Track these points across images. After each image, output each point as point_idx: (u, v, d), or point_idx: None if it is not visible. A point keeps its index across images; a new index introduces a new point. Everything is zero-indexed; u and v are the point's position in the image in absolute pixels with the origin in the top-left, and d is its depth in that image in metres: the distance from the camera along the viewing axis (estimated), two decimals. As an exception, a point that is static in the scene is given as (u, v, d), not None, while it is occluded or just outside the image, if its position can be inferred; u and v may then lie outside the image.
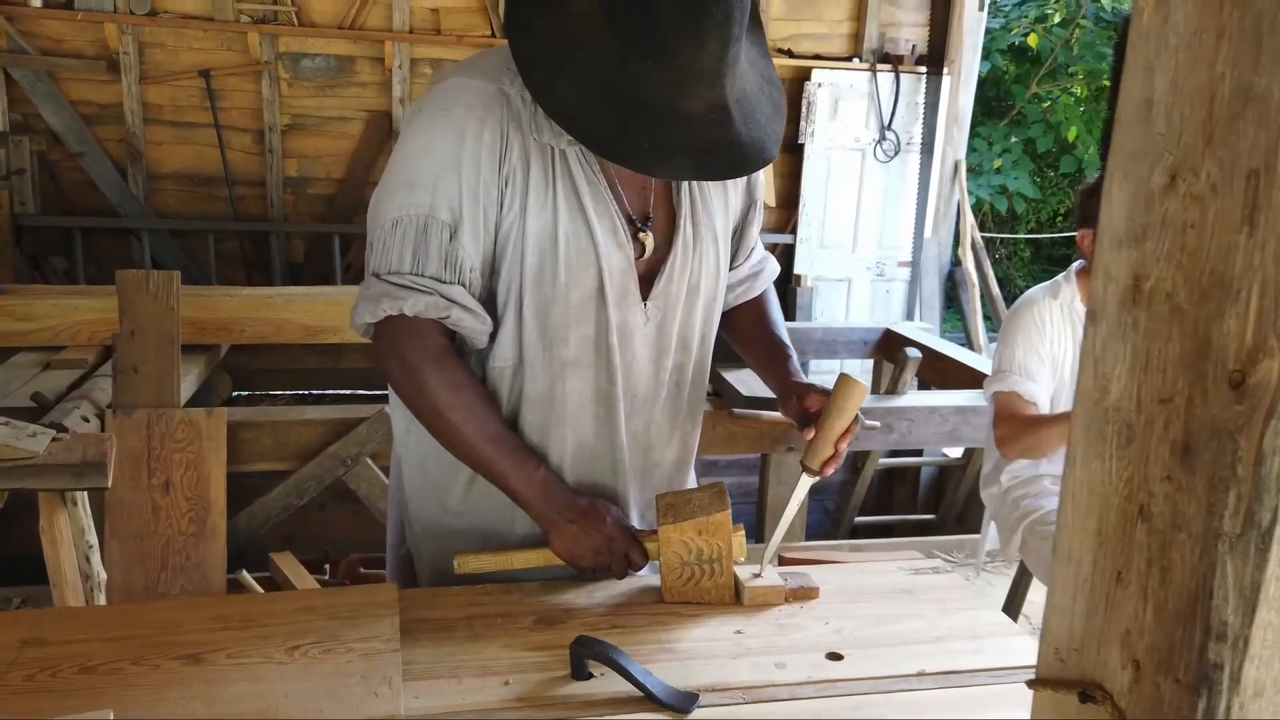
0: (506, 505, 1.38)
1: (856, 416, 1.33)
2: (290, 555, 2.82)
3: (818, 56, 5.37)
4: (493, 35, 4.97)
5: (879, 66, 5.36)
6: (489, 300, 1.33)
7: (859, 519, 4.07)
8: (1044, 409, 2.26)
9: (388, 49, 4.88)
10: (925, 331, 4.89)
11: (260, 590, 2.60)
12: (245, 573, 2.65)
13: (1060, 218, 10.02)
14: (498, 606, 1.32)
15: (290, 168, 5.00)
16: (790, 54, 5.32)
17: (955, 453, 4.12)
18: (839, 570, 1.50)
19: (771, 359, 1.53)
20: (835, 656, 1.24)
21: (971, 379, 3.88)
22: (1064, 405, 2.30)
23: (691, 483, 1.57)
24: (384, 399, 5.21)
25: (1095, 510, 0.72)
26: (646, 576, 1.41)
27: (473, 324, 1.30)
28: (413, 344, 1.28)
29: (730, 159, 1.21)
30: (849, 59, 5.42)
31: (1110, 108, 0.87)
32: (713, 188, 1.42)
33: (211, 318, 3.32)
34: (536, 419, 1.37)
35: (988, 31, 6.43)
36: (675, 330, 1.41)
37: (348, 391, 5.10)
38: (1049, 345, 2.28)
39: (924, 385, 4.15)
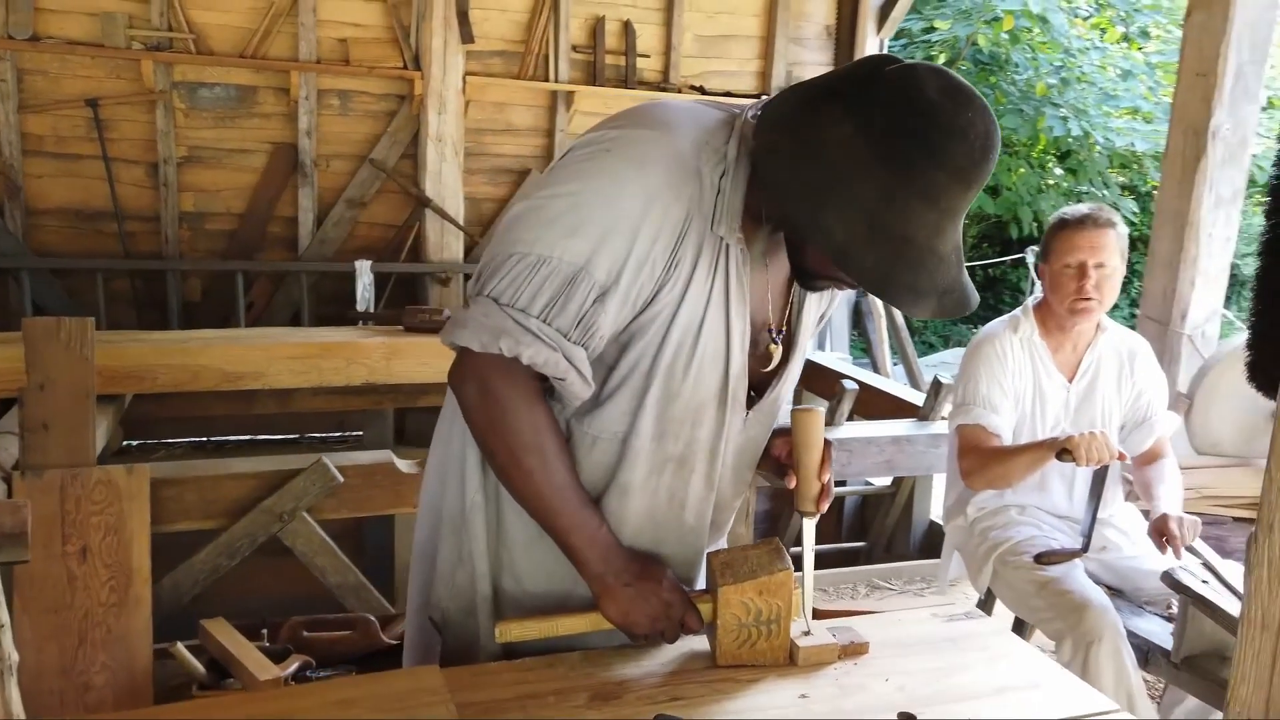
0: (570, 576, 1.30)
1: (827, 442, 1.31)
2: (224, 622, 2.60)
3: (728, 93, 5.44)
4: (405, 67, 4.83)
5: (788, 103, 5.48)
6: (597, 364, 1.25)
7: (792, 549, 4.07)
8: (1007, 441, 2.31)
9: (293, 79, 4.68)
10: (841, 361, 4.98)
11: (199, 667, 2.38)
12: (180, 645, 2.43)
13: (971, 248, 10.34)
14: (547, 684, 1.23)
15: (186, 202, 4.71)
16: (702, 90, 5.38)
17: (883, 481, 4.19)
18: (874, 621, 1.47)
19: None
20: (908, 717, 1.20)
21: (896, 409, 3.97)
22: (1025, 437, 2.36)
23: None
24: (298, 443, 4.91)
25: (1301, 577, 0.70)
26: (690, 639, 1.34)
27: (581, 390, 1.22)
28: (508, 380, 1.20)
29: (963, 299, 1.18)
30: (758, 96, 5.51)
31: None
32: (812, 301, 1.39)
33: (120, 365, 3.06)
34: (624, 506, 1.30)
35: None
36: (761, 445, 1.39)
37: (253, 438, 4.83)
38: (1011, 378, 2.33)
39: (849, 416, 4.21)
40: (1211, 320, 3.60)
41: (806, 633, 1.33)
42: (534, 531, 1.31)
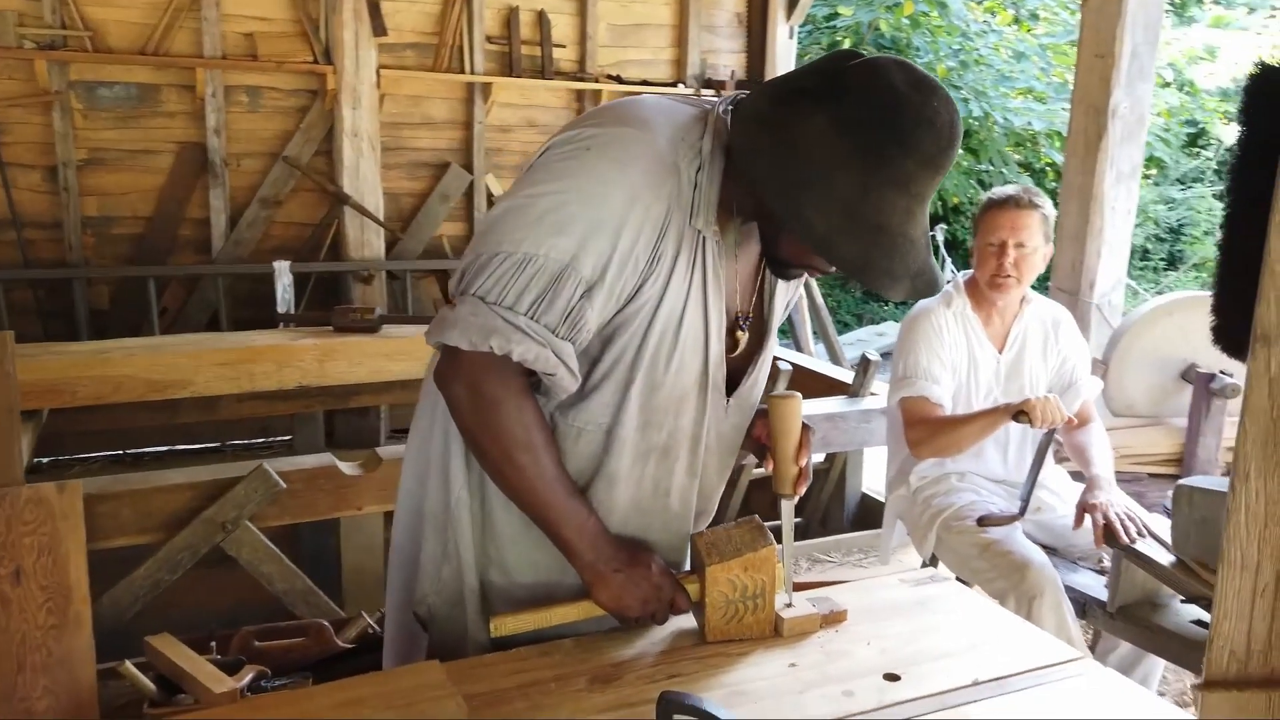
0: (557, 567, 1.33)
1: (806, 426, 1.37)
2: (169, 637, 2.53)
3: (645, 82, 5.47)
4: (315, 61, 4.72)
5: (703, 91, 5.54)
6: (582, 356, 1.26)
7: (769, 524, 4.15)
8: (948, 410, 2.41)
9: (199, 76, 4.52)
10: (768, 344, 5.07)
11: (149, 684, 2.31)
12: (129, 664, 2.35)
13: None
14: (545, 671, 1.25)
15: (89, 207, 4.51)
16: (619, 79, 5.40)
17: (816, 458, 4.29)
18: (848, 590, 1.53)
19: None
20: (893, 677, 1.27)
21: (827, 387, 4.07)
22: (961, 407, 2.46)
23: None
24: (221, 452, 4.77)
25: (1278, 519, 0.77)
26: (678, 619, 1.38)
27: (569, 384, 1.24)
28: (498, 378, 1.22)
29: (933, 280, 1.23)
30: (674, 84, 5.56)
31: (1245, 158, 0.93)
32: (780, 288, 1.43)
33: (38, 379, 2.95)
34: (610, 496, 1.33)
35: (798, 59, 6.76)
36: (741, 430, 1.42)
37: (174, 448, 4.67)
38: (948, 350, 2.43)
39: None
40: (1117, 289, 3.81)
41: (789, 605, 1.38)
42: (521, 525, 1.33)
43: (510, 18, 5.17)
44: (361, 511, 2.96)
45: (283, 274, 4.57)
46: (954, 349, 2.44)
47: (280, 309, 4.54)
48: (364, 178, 4.88)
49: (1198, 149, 11.81)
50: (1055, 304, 2.63)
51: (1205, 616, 2.06)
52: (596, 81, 5.35)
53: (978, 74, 8.20)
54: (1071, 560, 2.43)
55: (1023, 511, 2.36)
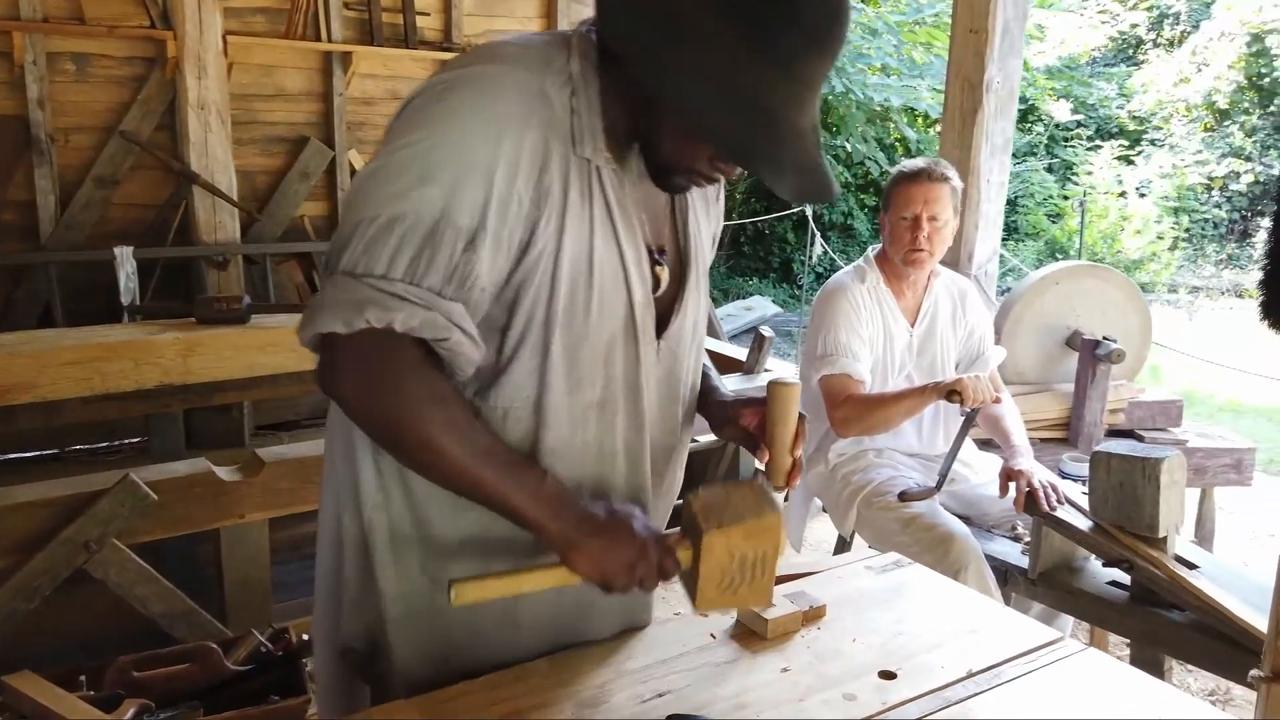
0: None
1: (800, 415, 1.30)
2: (31, 675, 2.25)
3: (513, 52, 5.28)
4: (153, 25, 4.30)
5: (575, 63, 5.40)
6: (487, 330, 1.13)
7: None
8: (869, 387, 2.40)
9: (16, 41, 4.02)
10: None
11: (14, 729, 2.04)
12: (-14, 711, 2.07)
13: (740, 204, 10.63)
14: (524, 699, 1.14)
15: (-111, 188, 3.98)
16: (509, 39, 5.17)
17: (709, 436, 4.27)
18: (816, 582, 1.47)
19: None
20: (888, 675, 1.21)
21: (721, 365, 4.04)
22: (877, 382, 2.46)
23: None
24: (60, 460, 4.34)
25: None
26: (655, 623, 1.29)
27: (470, 351, 1.09)
28: (387, 356, 1.05)
29: (824, 183, 1.12)
30: (544, 55, 5.39)
31: None
32: (702, 222, 1.33)
33: None
34: (556, 470, 1.18)
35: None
36: (682, 374, 1.30)
37: (7, 456, 4.19)
38: (865, 326, 2.42)
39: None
40: (992, 260, 3.92)
41: (771, 604, 1.31)
42: (465, 529, 1.19)
43: (369, -18, 4.87)
44: (244, 520, 2.71)
45: (125, 261, 4.18)
46: (870, 324, 2.44)
47: (124, 300, 4.15)
48: (213, 154, 4.50)
49: (1029, 124, 12.52)
50: (960, 276, 2.67)
51: (1122, 578, 2.13)
52: (464, 51, 5.11)
53: (836, 50, 8.34)
54: (986, 529, 2.48)
55: (940, 485, 2.38)
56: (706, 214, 1.35)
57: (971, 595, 1.46)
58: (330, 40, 4.79)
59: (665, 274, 1.24)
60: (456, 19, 5.13)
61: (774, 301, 9.03)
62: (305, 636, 2.60)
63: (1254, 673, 0.82)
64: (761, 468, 1.31)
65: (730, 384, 3.62)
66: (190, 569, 3.10)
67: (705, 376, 1.42)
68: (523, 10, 5.39)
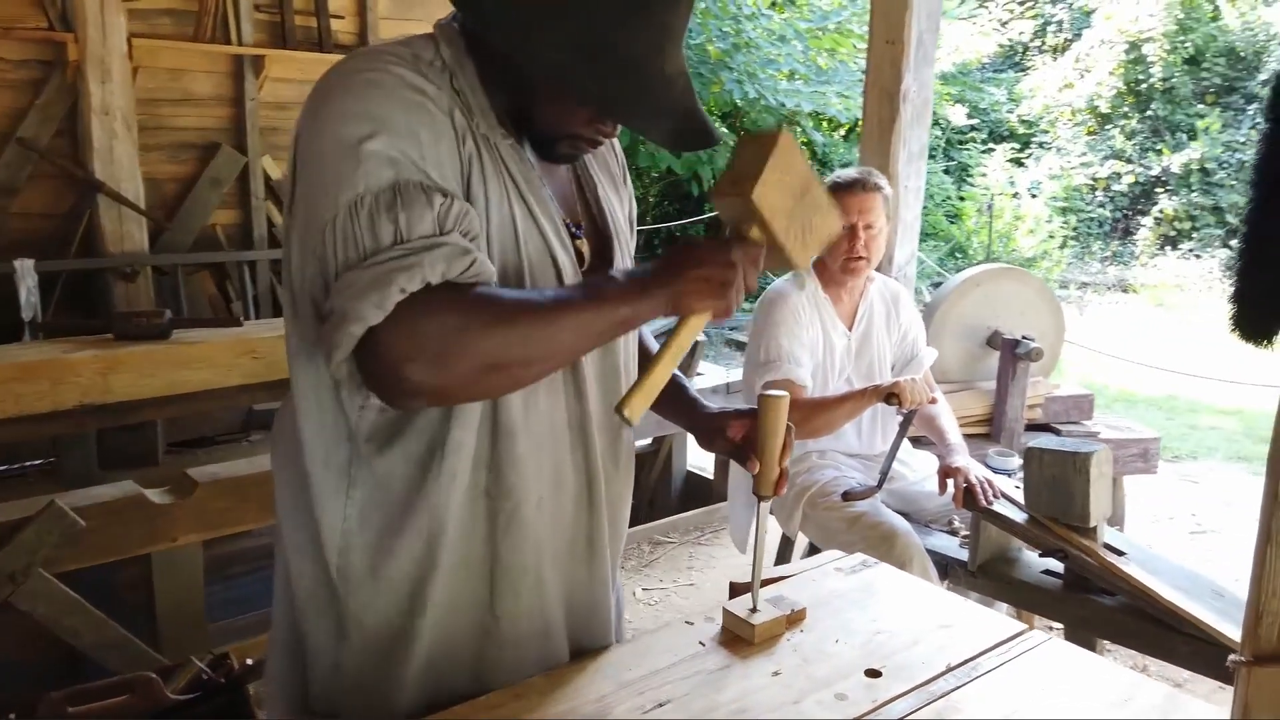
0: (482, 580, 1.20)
1: (789, 427, 1.34)
2: (-46, 718, 2.14)
3: (431, 57, 5.21)
4: (51, 28, 4.10)
5: (493, 68, 5.36)
6: None
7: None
8: (810, 392, 2.47)
9: (-99, 42, 3.81)
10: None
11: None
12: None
13: (654, 206, 10.66)
14: (525, 715, 1.14)
15: None
16: (367, 45, 5.09)
17: (643, 441, 4.31)
18: (791, 585, 1.51)
19: (667, 390, 1.47)
20: (874, 673, 1.26)
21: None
22: (818, 387, 2.53)
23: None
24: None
25: (1332, 501, 0.81)
26: (644, 633, 1.30)
27: (492, 272, 1.06)
28: (434, 311, 0.99)
29: (703, 130, 1.14)
30: (461, 60, 5.34)
31: (1273, 159, 0.94)
32: (614, 200, 1.35)
33: None
34: (517, 450, 1.17)
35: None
36: (618, 349, 1.30)
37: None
38: (805, 332, 2.49)
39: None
40: (910, 263, 4.06)
41: (754, 610, 1.34)
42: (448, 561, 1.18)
43: (279, -16, 4.74)
44: (177, 543, 2.62)
45: (26, 274, 3.98)
46: (810, 330, 2.51)
47: (25, 315, 3.95)
48: (119, 161, 4.31)
49: (926, 128, 12.94)
50: (892, 280, 2.76)
51: (1056, 567, 2.25)
52: (379, 57, 5.03)
53: (748, 56, 8.53)
54: (924, 524, 2.58)
55: (881, 484, 2.47)
56: (617, 194, 1.37)
57: (939, 592, 1.53)
58: (241, 43, 4.66)
59: (586, 248, 1.25)
60: (371, 22, 5.05)
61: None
62: (249, 661, 2.53)
63: (1233, 658, 0.88)
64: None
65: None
66: (111, 595, 2.98)
67: (685, 389, 1.44)
68: (439, 12, 5.22)
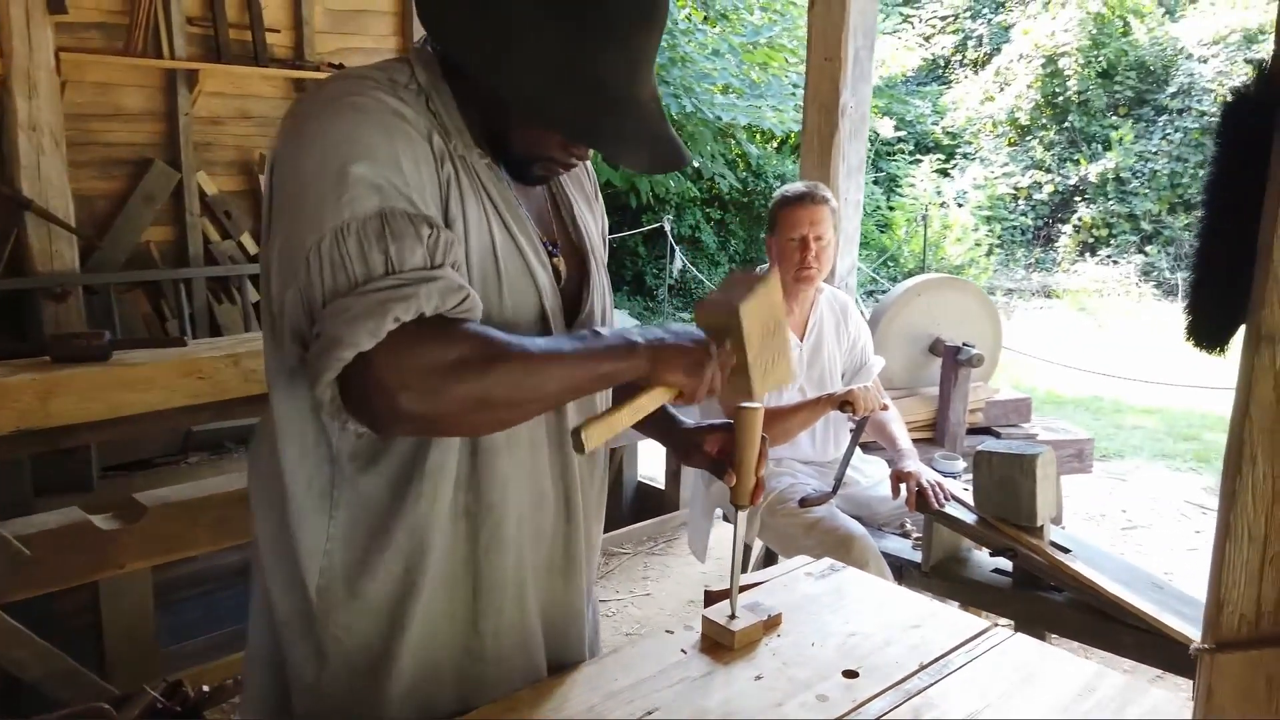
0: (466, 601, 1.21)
1: (763, 438, 1.38)
2: (-104, 758, 2.06)
3: (369, 71, 5.17)
4: (-25, 40, 3.97)
5: (433, 82, 5.34)
6: None
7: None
8: (765, 402, 2.52)
9: None
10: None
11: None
12: None
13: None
14: (522, 731, 1.15)
15: None
16: (343, 69, 5.05)
17: (592, 452, 4.32)
18: (763, 592, 1.55)
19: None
20: (851, 674, 1.30)
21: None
22: (773, 395, 2.58)
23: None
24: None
25: (1287, 495, 0.88)
26: (626, 644, 1.33)
27: (480, 310, 1.07)
28: (427, 344, 1.00)
29: (675, 152, 1.17)
30: (400, 74, 5.31)
31: (1223, 177, 1.00)
32: (588, 217, 1.38)
33: None
34: (496, 472, 1.19)
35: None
36: None
37: None
38: (760, 345, 2.54)
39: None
40: (851, 273, 4.17)
41: (733, 617, 1.38)
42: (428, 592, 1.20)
43: (212, -3, 4.66)
44: (124, 570, 2.56)
45: (-50, 295, 3.84)
46: (764, 341, 2.56)
47: (-50, 337, 3.81)
48: (47, 178, 4.19)
49: (855, 139, 13.23)
50: (840, 291, 2.84)
51: (1005, 565, 2.33)
52: (318, 70, 4.98)
53: (683, 70, 8.63)
54: (877, 528, 2.65)
55: (836, 489, 2.53)
56: (591, 211, 1.40)
57: (905, 593, 1.58)
58: (173, 57, 4.56)
59: (563, 265, 1.27)
60: (308, 36, 4.99)
61: (630, 315, 9.19)
62: (205, 688, 2.48)
63: (1195, 645, 0.94)
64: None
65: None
66: (55, 624, 2.89)
67: (662, 407, 1.47)
68: (376, 28, 5.30)
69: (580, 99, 1.08)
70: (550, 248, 1.26)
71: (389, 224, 1.02)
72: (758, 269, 1.26)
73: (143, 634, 2.63)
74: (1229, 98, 0.90)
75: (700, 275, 9.22)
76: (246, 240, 4.94)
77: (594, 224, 1.39)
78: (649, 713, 1.20)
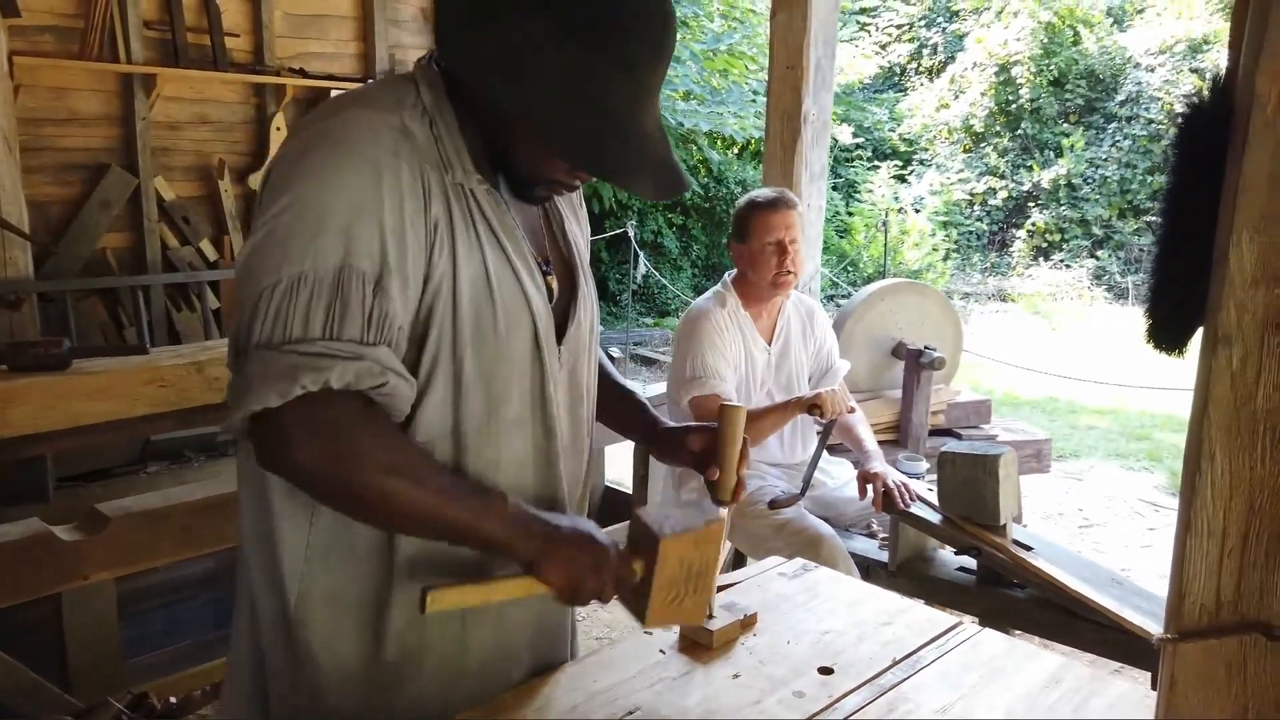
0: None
1: (744, 437, 1.41)
2: None
3: (330, 76, 5.14)
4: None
5: (395, 88, 5.32)
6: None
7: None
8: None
9: None
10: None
11: None
12: None
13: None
14: (505, 733, 1.17)
15: None
16: (303, 73, 5.02)
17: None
18: (738, 592, 1.58)
19: (626, 410, 1.53)
20: (827, 670, 1.33)
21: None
22: (743, 398, 2.62)
23: None
24: None
25: (1244, 491, 0.92)
26: (606, 646, 1.35)
27: (406, 391, 1.11)
28: (332, 419, 1.04)
29: (677, 179, 1.19)
30: (362, 79, 5.28)
31: (1180, 186, 1.02)
32: (576, 230, 1.41)
33: None
34: None
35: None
36: (583, 375, 1.35)
37: None
38: (729, 349, 2.57)
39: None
40: (815, 278, 4.21)
41: (710, 617, 1.40)
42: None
43: (170, 1, 4.61)
44: (88, 581, 2.52)
45: (-100, 303, 3.76)
46: (733, 346, 2.59)
47: (-101, 346, 3.72)
48: (0, 184, 4.12)
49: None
50: (806, 296, 2.88)
51: (970, 564, 2.38)
52: (278, 74, 4.94)
53: (645, 76, 8.62)
54: (844, 528, 2.69)
55: (804, 491, 2.57)
56: (578, 223, 1.42)
57: (876, 590, 1.61)
58: (130, 61, 4.51)
59: (554, 283, 1.29)
60: (268, 40, 4.96)
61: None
62: (173, 699, 2.46)
63: (1159, 635, 0.98)
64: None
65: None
66: (16, 638, 2.84)
67: (646, 409, 1.50)
68: (337, 33, 5.27)
69: (594, 132, 1.10)
70: (544, 267, 1.28)
71: (342, 286, 1.05)
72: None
73: (106, 646, 2.59)
74: (1185, 109, 0.94)
75: (664, 280, 9.26)
76: (206, 246, 4.88)
77: (582, 237, 1.42)
78: (630, 712, 1.22)
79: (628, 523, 1.25)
